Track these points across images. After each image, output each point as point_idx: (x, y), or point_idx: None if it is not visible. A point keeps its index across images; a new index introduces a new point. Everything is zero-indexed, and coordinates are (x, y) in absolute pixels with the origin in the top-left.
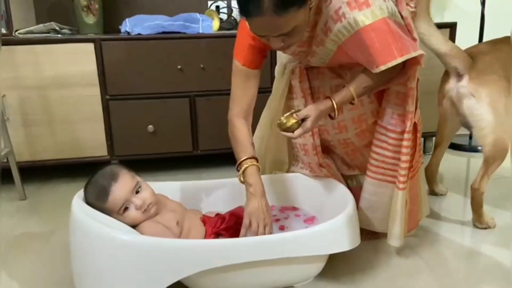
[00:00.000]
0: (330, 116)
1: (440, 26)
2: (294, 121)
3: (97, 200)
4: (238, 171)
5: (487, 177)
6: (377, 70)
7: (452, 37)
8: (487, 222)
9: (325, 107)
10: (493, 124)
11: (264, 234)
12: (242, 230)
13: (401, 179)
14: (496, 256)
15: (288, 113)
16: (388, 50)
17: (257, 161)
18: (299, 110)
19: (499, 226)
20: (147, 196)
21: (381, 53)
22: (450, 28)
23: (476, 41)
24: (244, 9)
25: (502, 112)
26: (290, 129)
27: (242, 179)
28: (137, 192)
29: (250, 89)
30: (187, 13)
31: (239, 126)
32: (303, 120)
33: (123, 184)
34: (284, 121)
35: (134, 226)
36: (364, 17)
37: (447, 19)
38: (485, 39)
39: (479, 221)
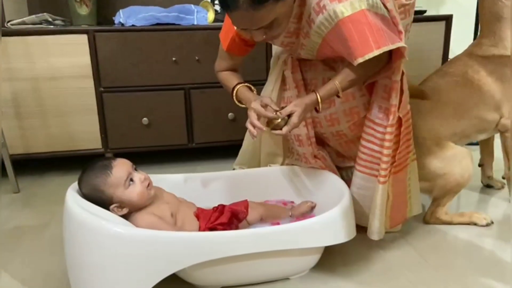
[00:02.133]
0: (315, 109)
1: (435, 18)
2: (279, 118)
3: (99, 177)
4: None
5: (441, 208)
6: (355, 62)
7: (448, 30)
8: (471, 221)
9: (310, 100)
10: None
11: (271, 105)
12: (257, 122)
13: (382, 172)
14: (490, 247)
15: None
16: (365, 42)
17: (246, 83)
18: (284, 107)
19: (494, 218)
20: (146, 174)
21: (359, 46)
22: (446, 21)
23: (471, 34)
24: (222, 4)
25: (436, 167)
26: (278, 126)
27: (236, 101)
28: (135, 170)
29: (233, 65)
30: (182, 5)
31: (225, 73)
32: (290, 116)
33: (122, 161)
34: (272, 119)
35: (127, 218)
36: (343, 9)
37: (443, 11)
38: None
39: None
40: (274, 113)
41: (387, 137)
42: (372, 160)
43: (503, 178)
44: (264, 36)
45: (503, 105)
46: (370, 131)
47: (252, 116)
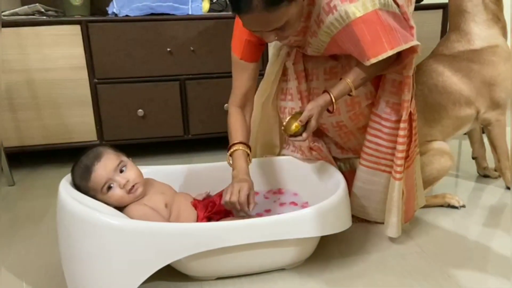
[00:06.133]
0: (328, 110)
1: (432, 7)
2: (297, 124)
3: (81, 179)
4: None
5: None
6: (368, 63)
7: (445, 19)
8: (444, 202)
9: (324, 102)
10: None
11: (240, 198)
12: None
13: (398, 169)
14: (486, 235)
15: (288, 118)
16: (378, 42)
17: (247, 147)
18: (300, 113)
19: (489, 206)
20: (131, 176)
21: (372, 46)
22: (443, 9)
23: None
24: (235, 6)
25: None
26: (298, 133)
27: (229, 162)
28: (121, 171)
29: (247, 80)
30: None
31: (233, 113)
32: (307, 121)
33: (105, 163)
34: (288, 126)
35: (121, 210)
36: (355, 9)
37: None
38: None
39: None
40: (294, 117)
41: (401, 133)
42: (378, 155)
43: (495, 170)
44: (275, 38)
45: (475, 100)
46: (376, 126)
47: (236, 198)
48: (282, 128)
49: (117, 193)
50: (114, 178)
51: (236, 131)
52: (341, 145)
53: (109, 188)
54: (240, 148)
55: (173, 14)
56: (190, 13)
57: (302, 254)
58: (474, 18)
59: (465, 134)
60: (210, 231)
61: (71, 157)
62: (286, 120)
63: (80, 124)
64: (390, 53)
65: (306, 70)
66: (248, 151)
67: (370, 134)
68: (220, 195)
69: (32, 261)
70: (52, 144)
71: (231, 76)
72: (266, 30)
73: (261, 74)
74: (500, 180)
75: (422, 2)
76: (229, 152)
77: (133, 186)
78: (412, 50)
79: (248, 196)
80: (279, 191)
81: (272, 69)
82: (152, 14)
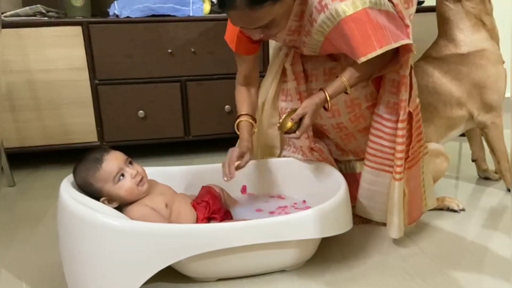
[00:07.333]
0: (324, 107)
1: (433, 9)
2: (291, 122)
3: (89, 170)
4: None
5: None
6: (359, 61)
7: None
8: (444, 205)
9: (320, 99)
10: None
11: (231, 158)
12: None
13: (397, 169)
14: (486, 236)
15: (284, 115)
16: (368, 41)
17: (250, 117)
18: (295, 110)
19: (489, 208)
20: (140, 169)
21: (362, 45)
22: None
23: None
24: (220, 3)
25: None
26: (291, 130)
27: (237, 132)
28: (130, 163)
29: (247, 68)
30: None
31: (238, 90)
32: (301, 118)
33: (115, 155)
34: (283, 123)
35: (121, 211)
36: (345, 7)
37: None
38: None
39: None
40: (289, 115)
41: (400, 132)
42: (381, 155)
43: (495, 172)
44: (261, 35)
45: (466, 102)
46: (378, 126)
47: (228, 157)
48: (278, 124)
49: (128, 183)
50: (125, 168)
51: (241, 105)
52: (342, 147)
53: (121, 177)
54: (244, 119)
55: (174, 16)
56: (191, 14)
57: (303, 256)
58: (457, 25)
59: (464, 136)
60: (211, 232)
61: (71, 158)
62: (283, 117)
63: (80, 125)
64: (379, 51)
65: (306, 71)
66: (252, 121)
67: (373, 135)
68: (208, 191)
69: (32, 262)
70: (53, 145)
71: (231, 78)
72: (250, 28)
73: (262, 75)
74: (501, 182)
75: (423, 4)
76: (236, 122)
77: (142, 178)
78: (407, 49)
79: (237, 156)
80: (279, 197)
81: (271, 70)
82: (153, 15)
